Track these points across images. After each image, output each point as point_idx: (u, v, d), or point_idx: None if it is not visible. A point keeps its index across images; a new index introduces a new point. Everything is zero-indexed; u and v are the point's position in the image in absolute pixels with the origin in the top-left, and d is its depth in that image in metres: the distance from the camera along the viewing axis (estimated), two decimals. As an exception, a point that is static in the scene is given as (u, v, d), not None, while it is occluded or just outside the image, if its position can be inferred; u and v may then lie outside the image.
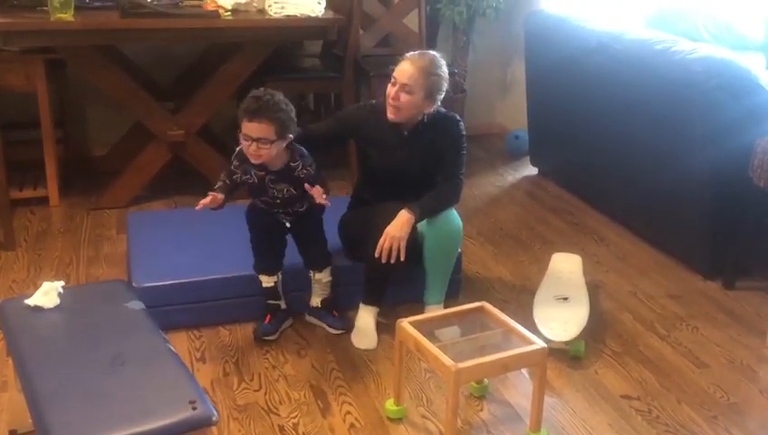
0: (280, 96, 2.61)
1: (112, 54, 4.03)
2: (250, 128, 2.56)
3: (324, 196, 2.63)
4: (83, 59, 3.77)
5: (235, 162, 2.72)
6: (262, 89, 2.65)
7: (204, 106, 3.98)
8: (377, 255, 2.72)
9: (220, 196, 2.67)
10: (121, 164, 4.12)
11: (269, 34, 3.88)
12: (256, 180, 2.70)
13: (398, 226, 2.72)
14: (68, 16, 3.50)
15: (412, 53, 2.84)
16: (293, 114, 2.64)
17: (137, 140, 4.19)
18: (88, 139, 4.64)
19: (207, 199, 2.63)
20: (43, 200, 3.98)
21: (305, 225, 2.86)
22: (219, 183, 2.73)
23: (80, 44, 3.68)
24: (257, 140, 2.56)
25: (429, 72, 2.77)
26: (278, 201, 2.74)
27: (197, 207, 2.65)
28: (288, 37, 4.13)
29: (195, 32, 3.74)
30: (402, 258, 2.71)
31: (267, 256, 2.87)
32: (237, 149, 2.71)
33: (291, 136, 2.64)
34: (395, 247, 2.70)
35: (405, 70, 2.77)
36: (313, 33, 4.05)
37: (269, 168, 2.68)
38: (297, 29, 3.89)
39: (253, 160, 2.63)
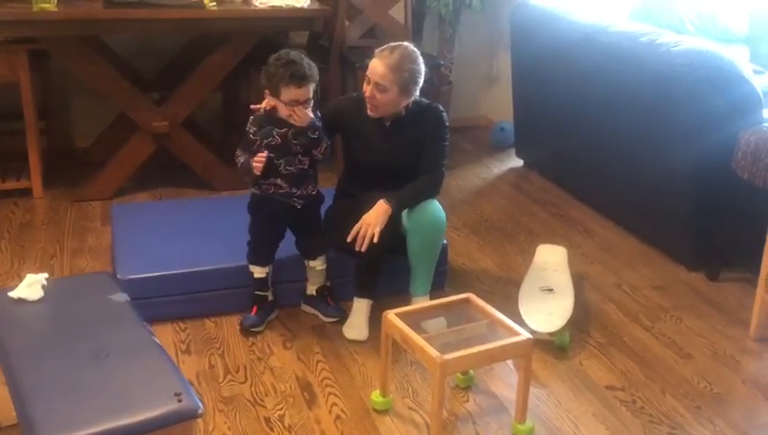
0: (304, 55, 2.69)
1: (96, 45, 4.00)
2: (299, 93, 2.64)
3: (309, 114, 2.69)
4: (66, 49, 3.74)
5: (253, 129, 2.73)
6: (287, 51, 2.70)
7: (188, 97, 3.96)
8: (349, 240, 2.73)
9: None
10: (106, 155, 4.09)
11: (254, 25, 3.86)
12: (279, 140, 2.72)
13: (375, 214, 2.73)
14: (51, 6, 3.47)
15: (381, 48, 2.79)
16: None
17: (121, 132, 4.16)
18: (72, 130, 4.60)
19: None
20: (27, 192, 3.95)
21: (309, 213, 2.88)
22: (242, 159, 2.75)
23: (63, 34, 3.65)
24: (304, 102, 2.65)
25: (400, 68, 2.74)
26: (299, 159, 2.74)
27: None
28: (273, 28, 4.11)
29: (179, 22, 3.71)
30: (375, 242, 2.70)
31: (264, 248, 2.87)
32: (252, 117, 2.75)
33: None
34: (368, 234, 2.71)
35: (376, 69, 2.75)
36: (299, 24, 4.04)
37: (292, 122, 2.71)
38: (282, 20, 3.88)
39: (300, 123, 2.68)
